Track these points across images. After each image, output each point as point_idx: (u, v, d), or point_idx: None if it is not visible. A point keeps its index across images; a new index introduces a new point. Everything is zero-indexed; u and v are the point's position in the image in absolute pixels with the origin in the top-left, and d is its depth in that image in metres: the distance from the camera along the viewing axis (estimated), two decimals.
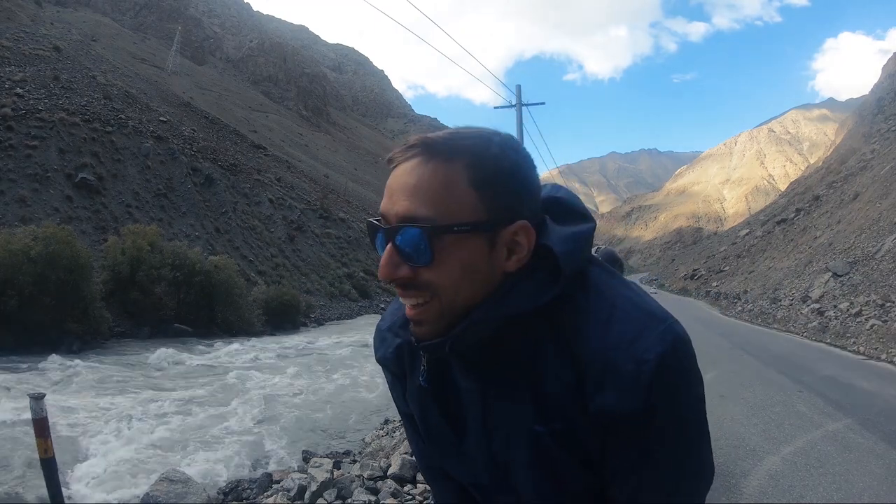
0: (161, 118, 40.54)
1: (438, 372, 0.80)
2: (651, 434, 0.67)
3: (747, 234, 52.95)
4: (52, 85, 34.36)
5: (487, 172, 0.68)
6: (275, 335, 22.94)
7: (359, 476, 4.93)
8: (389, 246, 0.69)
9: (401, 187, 0.69)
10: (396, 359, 0.87)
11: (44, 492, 4.25)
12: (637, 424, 0.67)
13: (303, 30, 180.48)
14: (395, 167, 0.71)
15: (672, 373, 0.66)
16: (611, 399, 0.66)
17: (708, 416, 0.72)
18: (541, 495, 0.76)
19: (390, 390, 0.97)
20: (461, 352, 0.73)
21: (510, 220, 0.69)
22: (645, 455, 0.69)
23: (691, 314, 23.75)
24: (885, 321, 11.67)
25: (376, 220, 0.73)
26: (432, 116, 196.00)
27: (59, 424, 7.43)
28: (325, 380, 12.47)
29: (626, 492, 0.71)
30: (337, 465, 5.64)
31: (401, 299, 0.74)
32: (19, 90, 31.59)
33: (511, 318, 0.70)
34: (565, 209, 0.79)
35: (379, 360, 0.92)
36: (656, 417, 0.66)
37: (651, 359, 0.65)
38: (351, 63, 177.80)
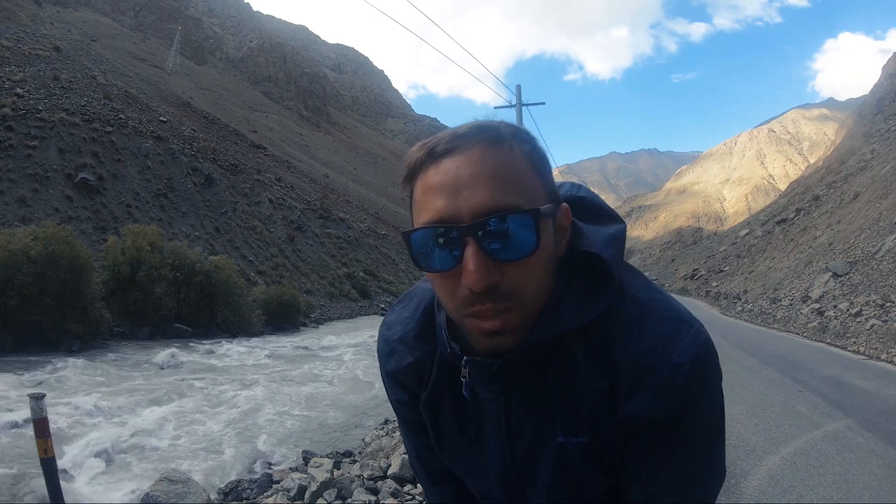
0: (161, 118, 40.54)
1: (452, 381, 0.76)
2: (678, 436, 0.67)
3: (747, 234, 52.91)
4: (52, 85, 34.36)
5: (541, 156, 0.66)
6: (275, 335, 22.93)
7: (359, 476, 4.94)
8: (476, 247, 0.60)
9: (474, 177, 0.61)
10: (410, 373, 0.83)
11: (44, 491, 4.25)
12: (666, 427, 0.66)
13: (303, 30, 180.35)
14: (436, 162, 0.63)
15: (703, 375, 0.67)
16: (644, 402, 0.66)
17: None
18: None
19: (392, 401, 0.91)
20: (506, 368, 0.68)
21: (559, 202, 0.68)
22: (669, 457, 0.68)
23: None
24: (885, 321, 11.66)
25: (434, 227, 0.62)
26: (432, 116, 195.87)
27: (58, 424, 7.44)
28: (325, 380, 12.47)
29: (647, 493, 0.70)
30: (337, 465, 5.64)
31: (479, 313, 0.63)
32: (19, 90, 31.58)
33: (565, 334, 0.67)
34: (590, 209, 0.78)
35: (389, 373, 0.86)
36: (686, 419, 0.66)
37: (686, 362, 0.65)
38: (351, 63, 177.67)
